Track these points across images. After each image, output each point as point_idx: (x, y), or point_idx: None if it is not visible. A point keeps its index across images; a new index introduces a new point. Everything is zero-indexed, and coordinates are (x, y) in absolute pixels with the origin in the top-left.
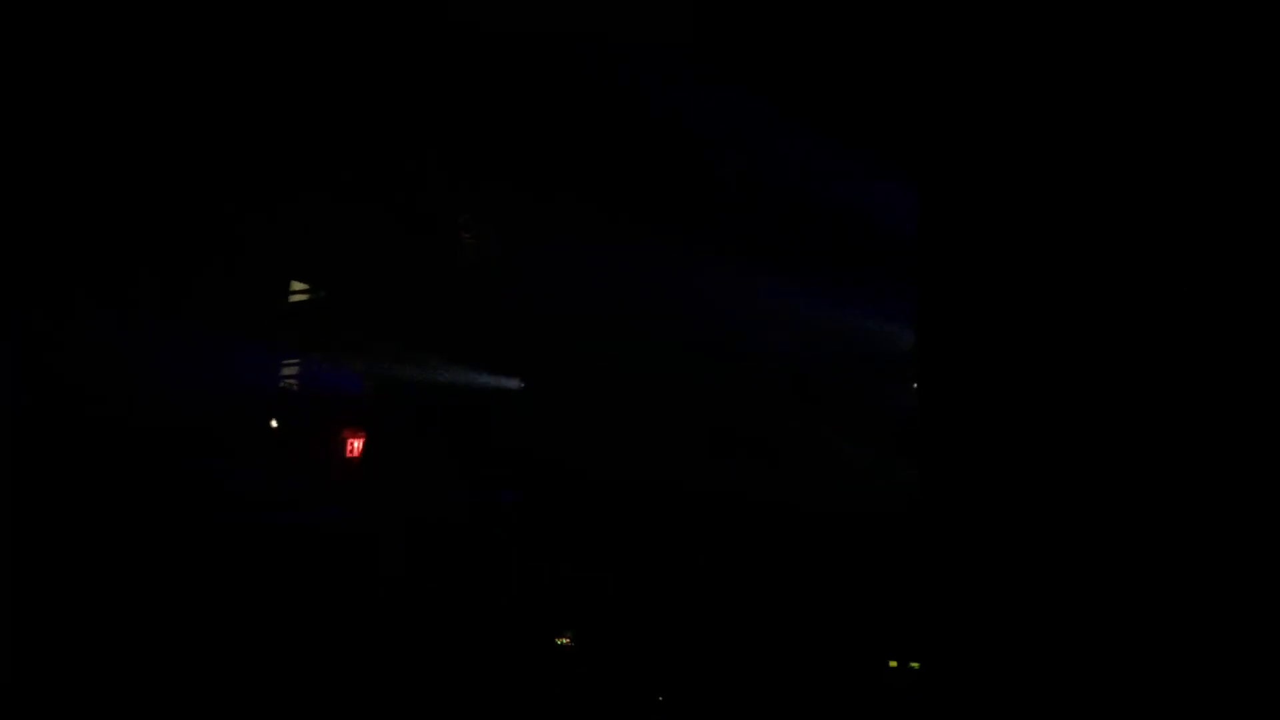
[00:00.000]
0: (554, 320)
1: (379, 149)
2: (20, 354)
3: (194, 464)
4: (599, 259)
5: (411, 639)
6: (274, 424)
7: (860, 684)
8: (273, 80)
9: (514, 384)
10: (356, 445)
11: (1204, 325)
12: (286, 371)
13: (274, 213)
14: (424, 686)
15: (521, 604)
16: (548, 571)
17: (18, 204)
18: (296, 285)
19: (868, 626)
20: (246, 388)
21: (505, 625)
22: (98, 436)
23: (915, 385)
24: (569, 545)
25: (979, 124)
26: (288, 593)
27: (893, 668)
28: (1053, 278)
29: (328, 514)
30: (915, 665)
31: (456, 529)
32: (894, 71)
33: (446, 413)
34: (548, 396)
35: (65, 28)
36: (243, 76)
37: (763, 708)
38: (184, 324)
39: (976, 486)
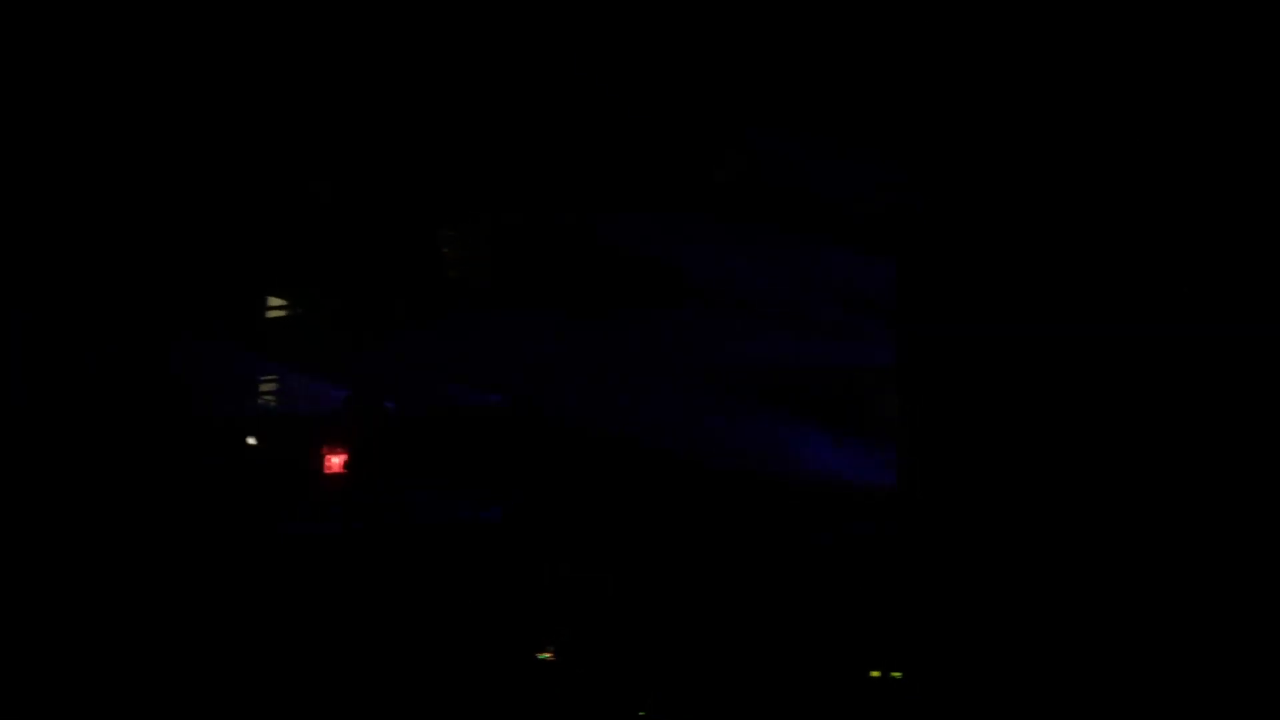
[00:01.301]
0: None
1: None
2: (20, 354)
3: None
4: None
5: (383, 657)
6: (251, 440)
7: (843, 695)
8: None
9: (496, 399)
10: (336, 462)
11: (1203, 324)
12: (265, 386)
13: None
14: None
15: (502, 620)
16: (532, 585)
17: (18, 204)
18: (274, 300)
19: (849, 635)
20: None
21: (483, 642)
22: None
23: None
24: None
25: (982, 126)
26: (256, 609)
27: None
28: (1059, 276)
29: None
30: (897, 675)
31: (435, 547)
32: (895, 71)
33: (429, 428)
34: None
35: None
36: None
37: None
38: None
39: (967, 492)
